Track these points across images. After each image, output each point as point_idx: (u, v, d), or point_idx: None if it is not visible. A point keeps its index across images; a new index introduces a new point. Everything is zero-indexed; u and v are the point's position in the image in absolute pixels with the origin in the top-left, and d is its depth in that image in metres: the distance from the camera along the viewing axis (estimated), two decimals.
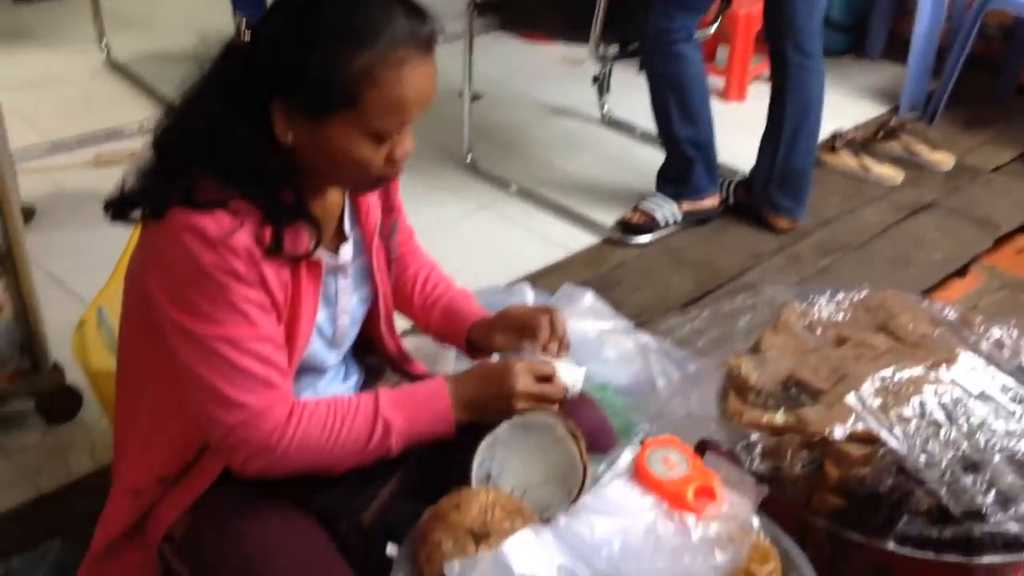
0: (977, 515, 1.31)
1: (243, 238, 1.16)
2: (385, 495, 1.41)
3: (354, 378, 1.52)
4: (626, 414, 1.75)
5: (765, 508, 1.28)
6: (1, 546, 1.74)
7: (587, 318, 2.18)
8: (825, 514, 1.33)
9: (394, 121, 1.17)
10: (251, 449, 1.22)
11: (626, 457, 1.34)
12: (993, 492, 1.34)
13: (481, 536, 1.21)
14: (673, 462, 1.32)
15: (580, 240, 2.92)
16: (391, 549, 1.25)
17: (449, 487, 1.41)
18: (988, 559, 1.29)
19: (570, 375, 1.35)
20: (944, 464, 1.33)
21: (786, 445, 1.33)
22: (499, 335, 1.43)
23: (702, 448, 1.36)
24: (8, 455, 2.06)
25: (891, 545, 1.31)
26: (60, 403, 2.12)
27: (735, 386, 1.48)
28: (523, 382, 1.30)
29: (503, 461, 1.33)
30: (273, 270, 1.20)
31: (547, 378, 1.33)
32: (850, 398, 1.35)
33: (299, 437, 1.23)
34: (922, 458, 1.32)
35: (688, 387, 1.63)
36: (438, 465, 1.50)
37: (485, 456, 1.32)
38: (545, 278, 2.66)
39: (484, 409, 1.32)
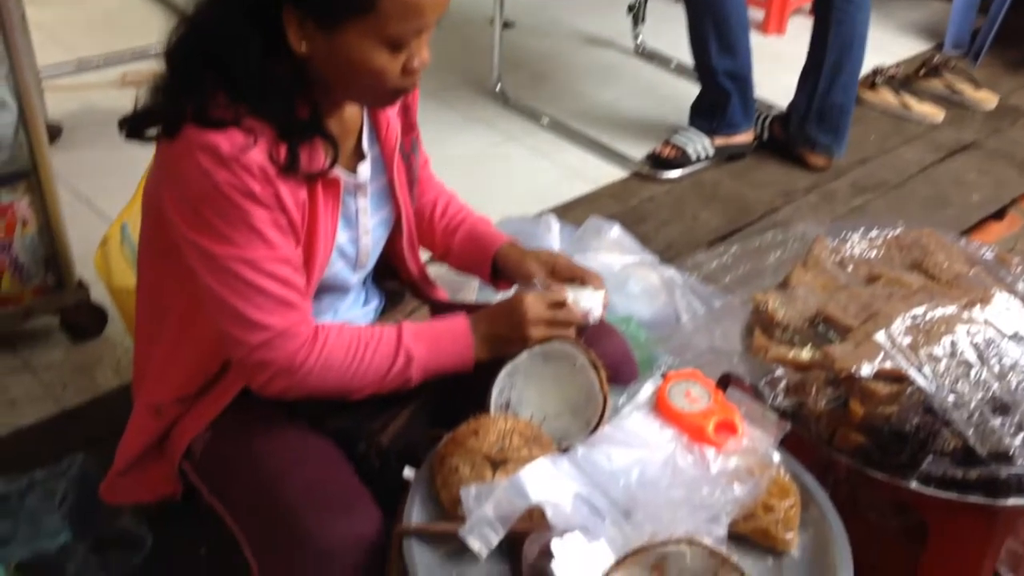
0: (1004, 457, 1.29)
1: (257, 156, 1.14)
2: (404, 418, 1.41)
3: (374, 303, 1.51)
4: (649, 347, 1.73)
5: (786, 444, 1.26)
6: (25, 459, 1.76)
7: (613, 251, 2.15)
8: (848, 451, 1.31)
9: (411, 27, 1.14)
10: (274, 369, 1.22)
11: (647, 389, 1.33)
12: (1022, 435, 1.31)
13: (498, 462, 1.20)
14: (695, 395, 1.30)
15: (609, 173, 2.88)
16: (408, 472, 1.25)
17: (467, 414, 1.41)
18: (1013, 502, 1.27)
19: (589, 300, 1.33)
20: (973, 405, 1.30)
21: (811, 381, 1.30)
22: (533, 262, 1.42)
23: (724, 382, 1.34)
24: (33, 371, 2.08)
25: (914, 484, 1.29)
26: (85, 319, 2.13)
27: (761, 322, 1.45)
28: (535, 309, 1.29)
29: (522, 390, 1.32)
30: (289, 189, 1.18)
31: (560, 304, 1.31)
32: (879, 336, 1.32)
33: (323, 359, 1.23)
34: (950, 398, 1.29)
35: (713, 322, 1.60)
36: (457, 392, 1.49)
37: (504, 384, 1.31)
38: (572, 211, 2.63)
39: (502, 342, 1.32)
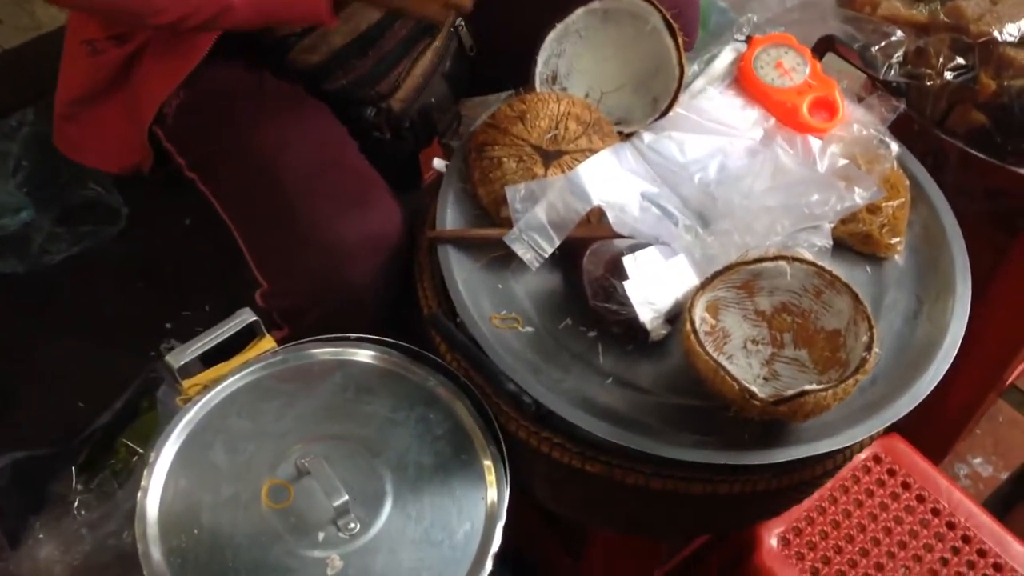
0: None
1: None
2: (417, 76, 1.17)
3: None
4: None
5: (890, 126, 1.05)
6: None
7: None
8: (963, 134, 1.10)
9: None
10: None
11: (726, 58, 1.09)
12: None
13: (551, 154, 0.99)
14: (787, 66, 1.07)
15: None
16: (438, 163, 1.04)
17: (499, 83, 1.16)
18: None
19: None
20: None
21: (934, 48, 1.05)
22: None
23: (823, 48, 1.09)
24: None
25: None
26: None
27: None
28: None
29: (573, 57, 1.06)
30: None
31: None
32: None
33: None
34: None
35: None
36: (484, 50, 1.24)
37: (552, 51, 1.05)
38: None
39: None
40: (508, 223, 0.97)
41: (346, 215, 0.98)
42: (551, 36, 1.04)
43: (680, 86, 1.02)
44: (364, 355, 0.94)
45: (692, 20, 1.21)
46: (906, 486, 1.17)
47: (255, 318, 0.93)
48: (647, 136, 1.02)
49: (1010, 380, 1.59)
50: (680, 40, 1.02)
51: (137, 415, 1.34)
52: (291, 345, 0.93)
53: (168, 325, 1.36)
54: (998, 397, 1.63)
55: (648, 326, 0.89)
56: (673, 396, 0.90)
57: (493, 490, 0.85)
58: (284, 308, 1.02)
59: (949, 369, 0.93)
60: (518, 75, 1.10)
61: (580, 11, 1.04)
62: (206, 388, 0.89)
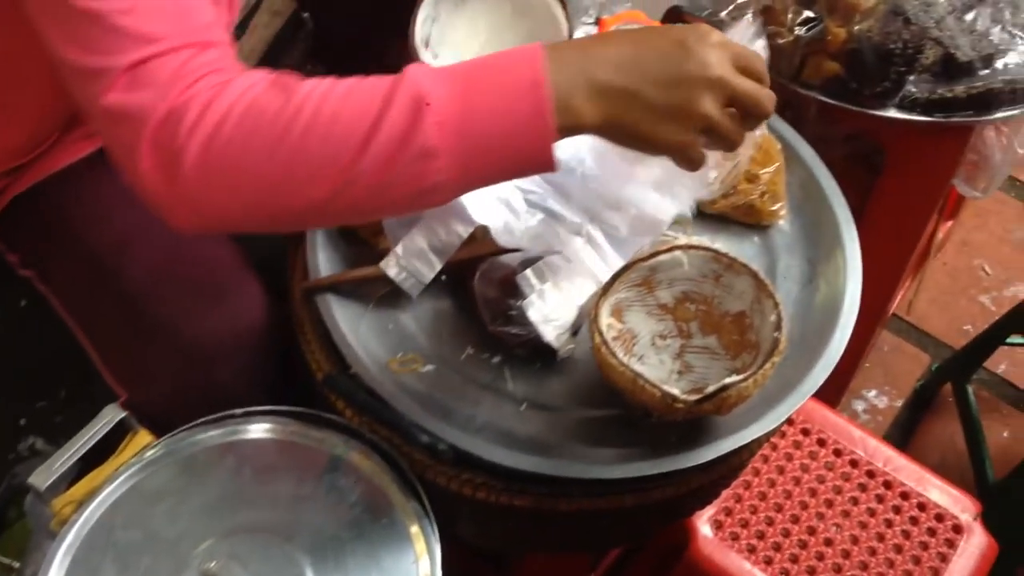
0: (987, 61, 1.12)
1: None
2: None
3: None
4: None
5: None
6: None
7: None
8: (819, 85, 1.10)
9: None
10: (156, 121, 0.66)
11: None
12: (998, 27, 1.14)
13: None
14: None
15: None
16: None
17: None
18: (1002, 114, 1.12)
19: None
20: (954, 6, 1.10)
21: (780, 5, 1.05)
22: None
23: (673, 19, 1.07)
24: None
25: (893, 112, 1.11)
26: None
27: None
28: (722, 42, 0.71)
29: (446, 27, 0.98)
30: None
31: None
32: None
33: (248, 113, 0.66)
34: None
35: None
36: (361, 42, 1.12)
37: (429, 12, 0.96)
38: None
39: (635, 97, 0.69)
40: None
41: (203, 312, 0.90)
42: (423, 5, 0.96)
43: None
44: (255, 430, 0.86)
45: None
46: (822, 443, 1.18)
47: (124, 413, 0.84)
48: None
49: (891, 310, 1.64)
50: (569, 10, 0.96)
51: (5, 526, 1.21)
52: (170, 436, 0.84)
53: (23, 421, 1.24)
54: (882, 329, 1.67)
55: (554, 344, 0.85)
56: (592, 409, 0.87)
57: (424, 555, 0.79)
58: (150, 417, 0.92)
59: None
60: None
61: None
62: (82, 504, 0.80)
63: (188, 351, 0.89)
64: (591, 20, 1.06)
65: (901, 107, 1.11)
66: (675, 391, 0.79)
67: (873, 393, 1.66)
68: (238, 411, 0.86)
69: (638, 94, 0.68)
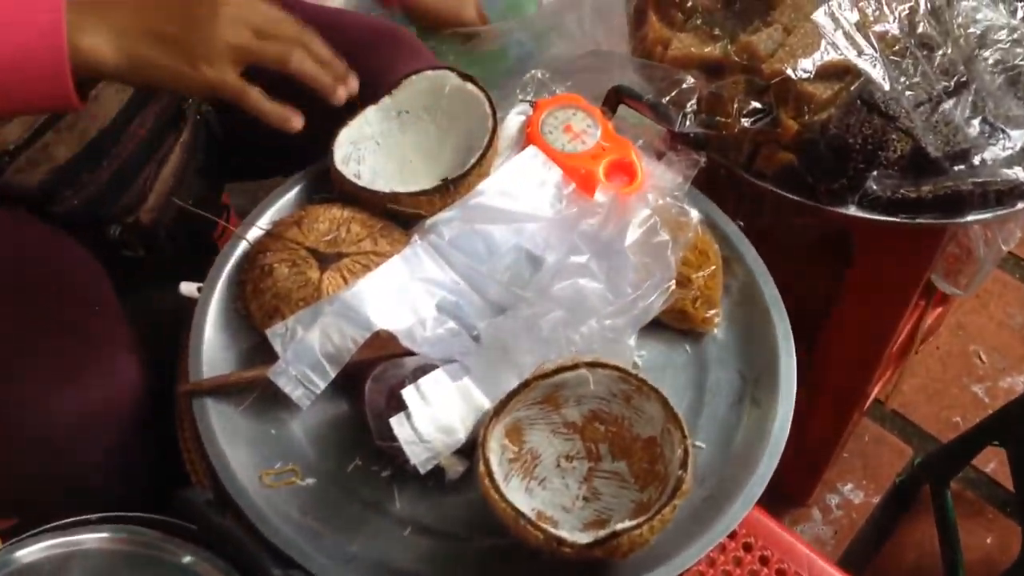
0: (961, 157, 1.04)
1: None
2: (166, 178, 1.03)
3: None
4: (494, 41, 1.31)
5: (697, 180, 0.97)
6: None
7: None
8: (773, 176, 1.03)
9: None
10: None
11: (512, 124, 0.98)
12: (978, 119, 1.06)
13: (328, 258, 0.87)
14: (577, 129, 0.97)
15: None
16: (186, 287, 0.90)
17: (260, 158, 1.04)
18: (973, 217, 1.04)
19: None
20: (931, 96, 1.03)
21: (728, 93, 0.98)
22: None
23: (614, 101, 1.00)
24: None
25: (852, 210, 1.03)
26: None
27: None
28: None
29: (375, 166, 0.96)
30: None
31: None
32: (819, 14, 0.99)
33: None
34: (906, 93, 1.01)
35: None
36: (236, 132, 1.10)
37: (349, 153, 0.94)
38: None
39: (155, 44, 0.78)
40: None
41: (56, 390, 0.83)
42: (343, 135, 0.92)
43: (494, 134, 0.92)
44: (107, 539, 0.80)
45: None
46: (764, 560, 1.09)
47: None
48: (447, 231, 0.90)
49: (872, 397, 1.55)
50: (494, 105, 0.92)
51: None
52: (13, 542, 0.78)
53: None
54: (862, 416, 1.59)
55: (420, 468, 0.78)
56: (485, 537, 0.80)
57: None
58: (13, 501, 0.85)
59: (804, 399, 0.86)
60: (287, 165, 0.98)
61: (371, 110, 0.93)
62: None
63: (35, 436, 0.83)
64: (529, 99, 1.00)
65: (861, 205, 1.03)
66: (562, 534, 0.72)
67: (849, 487, 1.57)
68: (93, 516, 0.80)
69: (161, 34, 0.78)
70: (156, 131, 1.01)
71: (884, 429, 1.64)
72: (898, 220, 1.03)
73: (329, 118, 0.90)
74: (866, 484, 1.58)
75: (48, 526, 0.79)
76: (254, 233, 0.92)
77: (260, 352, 0.87)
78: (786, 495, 1.54)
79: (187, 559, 0.79)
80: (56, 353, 0.85)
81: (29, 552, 0.78)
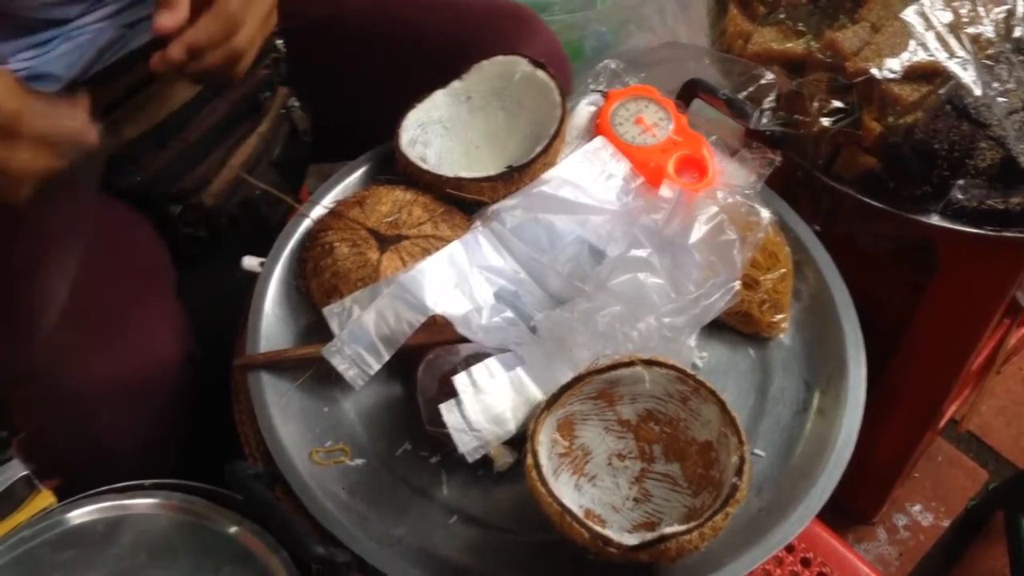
0: None
1: None
2: (236, 166, 1.04)
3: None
4: (572, 31, 1.30)
5: (771, 181, 0.95)
6: None
7: None
8: (853, 180, 1.00)
9: None
10: None
11: (581, 114, 0.97)
12: None
13: (388, 239, 0.88)
14: (649, 121, 0.96)
15: None
16: (249, 261, 0.92)
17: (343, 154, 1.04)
18: None
19: None
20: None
21: (809, 91, 0.95)
22: None
23: (689, 95, 0.98)
24: None
25: (935, 219, 1.00)
26: None
27: None
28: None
29: (442, 151, 0.96)
30: None
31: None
32: (908, 12, 0.95)
33: None
34: (999, 99, 0.96)
35: None
36: (323, 126, 1.11)
37: (416, 136, 0.95)
38: None
39: None
40: None
41: (94, 354, 0.84)
42: (411, 117, 0.93)
43: (562, 123, 0.91)
44: (159, 506, 0.81)
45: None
46: None
47: (25, 471, 0.80)
48: (509, 219, 0.90)
49: (947, 416, 1.50)
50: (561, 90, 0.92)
51: None
52: (68, 502, 0.80)
53: None
54: (936, 436, 1.54)
55: (468, 457, 0.78)
56: (533, 532, 0.79)
57: None
58: (51, 461, 0.87)
59: (875, 414, 0.83)
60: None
61: (439, 94, 0.93)
62: None
63: (69, 399, 0.84)
64: (601, 89, 0.99)
65: (945, 214, 0.99)
66: (608, 533, 0.71)
67: (918, 508, 1.52)
68: (147, 482, 0.82)
69: None
70: (229, 120, 1.02)
71: (959, 450, 1.59)
72: (984, 232, 0.99)
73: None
74: (936, 506, 1.52)
75: (102, 488, 0.81)
76: (317, 211, 0.93)
77: (317, 330, 0.87)
78: (851, 511, 1.50)
79: (233, 529, 0.80)
80: (99, 318, 0.86)
81: (82, 512, 0.81)
